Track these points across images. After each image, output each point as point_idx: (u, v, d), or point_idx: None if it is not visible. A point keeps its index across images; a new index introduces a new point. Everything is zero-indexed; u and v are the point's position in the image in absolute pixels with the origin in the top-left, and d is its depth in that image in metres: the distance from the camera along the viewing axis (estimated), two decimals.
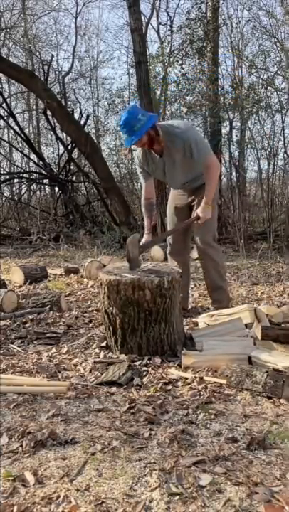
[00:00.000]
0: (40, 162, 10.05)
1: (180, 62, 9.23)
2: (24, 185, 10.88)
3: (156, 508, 1.31)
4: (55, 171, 10.02)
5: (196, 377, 2.18)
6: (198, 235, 3.18)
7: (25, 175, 10.66)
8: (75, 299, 4.00)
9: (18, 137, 10.55)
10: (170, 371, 2.30)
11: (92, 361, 2.45)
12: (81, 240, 7.76)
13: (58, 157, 10.88)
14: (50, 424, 1.79)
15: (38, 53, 12.35)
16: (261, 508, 1.30)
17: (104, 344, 2.66)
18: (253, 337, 2.54)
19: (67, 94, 10.96)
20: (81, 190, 10.89)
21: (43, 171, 9.91)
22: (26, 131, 12.30)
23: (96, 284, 4.39)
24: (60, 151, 10.77)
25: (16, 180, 10.65)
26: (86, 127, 10.32)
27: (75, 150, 9.95)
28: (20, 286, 4.48)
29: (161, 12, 12.46)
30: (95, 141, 10.55)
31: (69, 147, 9.90)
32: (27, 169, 11.80)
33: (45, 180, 10.44)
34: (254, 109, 8.39)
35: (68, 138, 9.83)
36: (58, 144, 10.69)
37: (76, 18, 14.04)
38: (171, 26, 10.42)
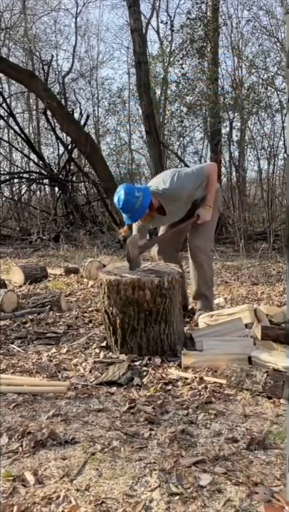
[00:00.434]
0: (40, 162, 10.05)
1: (180, 62, 9.23)
2: (24, 185, 10.87)
3: (156, 508, 1.31)
4: (55, 171, 10.01)
5: (196, 377, 2.18)
6: (192, 237, 3.12)
7: (25, 175, 10.65)
8: (75, 299, 4.00)
9: (18, 137, 10.54)
10: (170, 371, 2.30)
11: (92, 361, 2.45)
12: (81, 240, 7.76)
13: (58, 157, 10.86)
14: (50, 424, 1.79)
15: (38, 53, 12.34)
16: (261, 508, 1.30)
17: (104, 344, 2.66)
18: (253, 337, 2.54)
19: (67, 95, 10.94)
20: (81, 190, 10.88)
21: (43, 171, 9.90)
22: (26, 131, 12.28)
23: (96, 284, 4.39)
24: (60, 151, 10.76)
25: (16, 180, 10.64)
26: (86, 127, 10.32)
27: (75, 150, 9.95)
28: (21, 286, 4.48)
29: (161, 12, 12.50)
30: (95, 141, 10.55)
31: (69, 147, 9.89)
32: (27, 169, 11.78)
33: (45, 180, 10.43)
34: (254, 109, 8.38)
35: (68, 138, 9.82)
36: (58, 144, 10.67)
37: (76, 18, 14.05)
38: (171, 26, 10.43)
